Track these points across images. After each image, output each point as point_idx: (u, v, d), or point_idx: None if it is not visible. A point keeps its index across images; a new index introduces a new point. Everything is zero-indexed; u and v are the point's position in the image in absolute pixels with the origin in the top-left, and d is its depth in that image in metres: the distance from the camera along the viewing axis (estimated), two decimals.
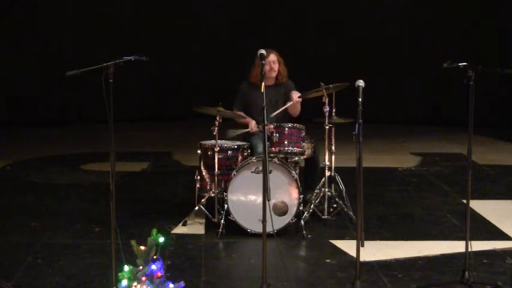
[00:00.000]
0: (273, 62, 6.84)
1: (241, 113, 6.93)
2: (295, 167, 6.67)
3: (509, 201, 7.72)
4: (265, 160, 4.63)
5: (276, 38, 11.70)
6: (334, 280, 5.27)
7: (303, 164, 7.10)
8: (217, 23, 12.99)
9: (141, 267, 4.35)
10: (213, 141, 6.52)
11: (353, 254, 5.44)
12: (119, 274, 4.38)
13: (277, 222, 5.99)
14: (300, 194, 6.24)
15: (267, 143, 5.09)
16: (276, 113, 6.70)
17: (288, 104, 6.77)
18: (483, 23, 12.95)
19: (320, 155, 6.91)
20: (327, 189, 6.74)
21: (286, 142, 6.42)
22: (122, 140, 9.05)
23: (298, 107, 6.97)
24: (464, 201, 5.80)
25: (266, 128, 4.67)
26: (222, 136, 6.54)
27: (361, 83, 4.75)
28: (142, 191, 8.08)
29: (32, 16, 12.78)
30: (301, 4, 13.12)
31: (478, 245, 5.65)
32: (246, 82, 6.99)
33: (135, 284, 4.32)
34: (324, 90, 6.77)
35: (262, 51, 5.12)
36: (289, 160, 6.56)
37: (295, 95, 6.82)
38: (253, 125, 6.84)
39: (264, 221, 4.60)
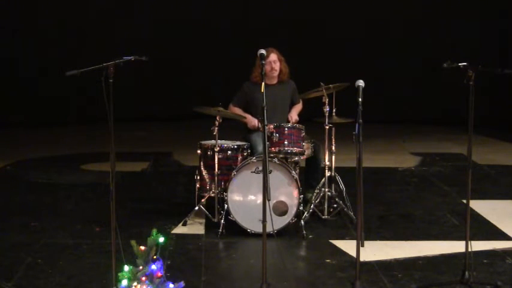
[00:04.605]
0: (273, 61, 6.84)
1: (241, 111, 6.92)
2: (295, 167, 6.67)
3: (509, 201, 7.72)
4: (265, 160, 4.63)
5: (276, 37, 11.69)
6: (334, 280, 5.27)
7: (303, 164, 7.11)
8: (218, 23, 13.00)
9: (141, 267, 4.35)
10: (213, 141, 6.52)
11: (353, 254, 5.44)
12: (119, 274, 4.38)
13: (277, 222, 5.99)
14: (300, 194, 6.24)
15: (267, 143, 5.08)
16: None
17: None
18: (483, 23, 12.96)
19: (321, 154, 6.91)
20: (327, 189, 6.75)
21: (286, 142, 6.42)
22: (122, 140, 9.04)
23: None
24: (464, 201, 5.79)
25: (266, 128, 4.67)
26: (222, 136, 6.53)
27: (361, 83, 4.75)
28: (142, 191, 8.08)
29: (32, 15, 12.80)
30: (302, 3, 13.13)
31: (478, 245, 5.65)
32: (248, 82, 6.99)
33: (135, 284, 4.32)
34: (324, 90, 6.79)
35: (262, 51, 5.12)
36: (289, 160, 6.56)
37: (294, 116, 6.93)
38: (254, 122, 6.83)
39: (264, 221, 4.60)
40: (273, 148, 6.40)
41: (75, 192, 7.93)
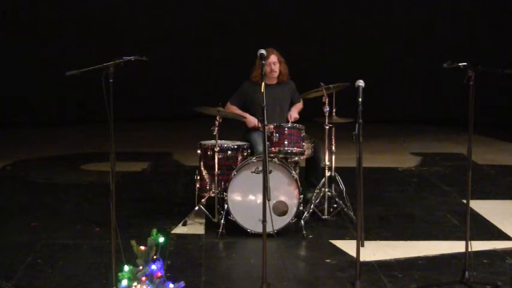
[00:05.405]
0: (273, 63, 6.85)
1: (240, 111, 6.92)
2: (295, 167, 6.67)
3: (509, 201, 7.72)
4: (265, 160, 4.63)
5: (276, 37, 11.69)
6: (334, 280, 5.27)
7: (303, 164, 7.11)
8: (218, 23, 12.99)
9: (141, 267, 4.35)
10: (213, 141, 6.52)
11: (353, 254, 5.44)
12: (119, 274, 4.38)
13: (277, 222, 5.99)
14: (300, 194, 6.24)
15: (267, 143, 5.08)
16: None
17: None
18: (483, 23, 12.96)
19: (321, 154, 6.91)
20: (327, 189, 6.75)
21: (286, 142, 6.42)
22: (122, 140, 9.04)
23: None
24: (464, 201, 5.79)
25: (266, 128, 4.67)
26: (222, 136, 6.53)
27: (361, 83, 4.75)
28: (142, 191, 8.08)
29: (32, 15, 12.80)
30: (302, 3, 13.13)
31: (478, 245, 5.65)
32: (248, 82, 6.99)
33: (135, 284, 4.32)
34: (324, 90, 6.79)
35: (263, 51, 5.12)
36: (289, 160, 6.56)
37: (293, 115, 6.93)
38: (254, 122, 6.83)
39: (264, 221, 4.60)
40: (273, 148, 6.40)
41: (75, 192, 7.93)
